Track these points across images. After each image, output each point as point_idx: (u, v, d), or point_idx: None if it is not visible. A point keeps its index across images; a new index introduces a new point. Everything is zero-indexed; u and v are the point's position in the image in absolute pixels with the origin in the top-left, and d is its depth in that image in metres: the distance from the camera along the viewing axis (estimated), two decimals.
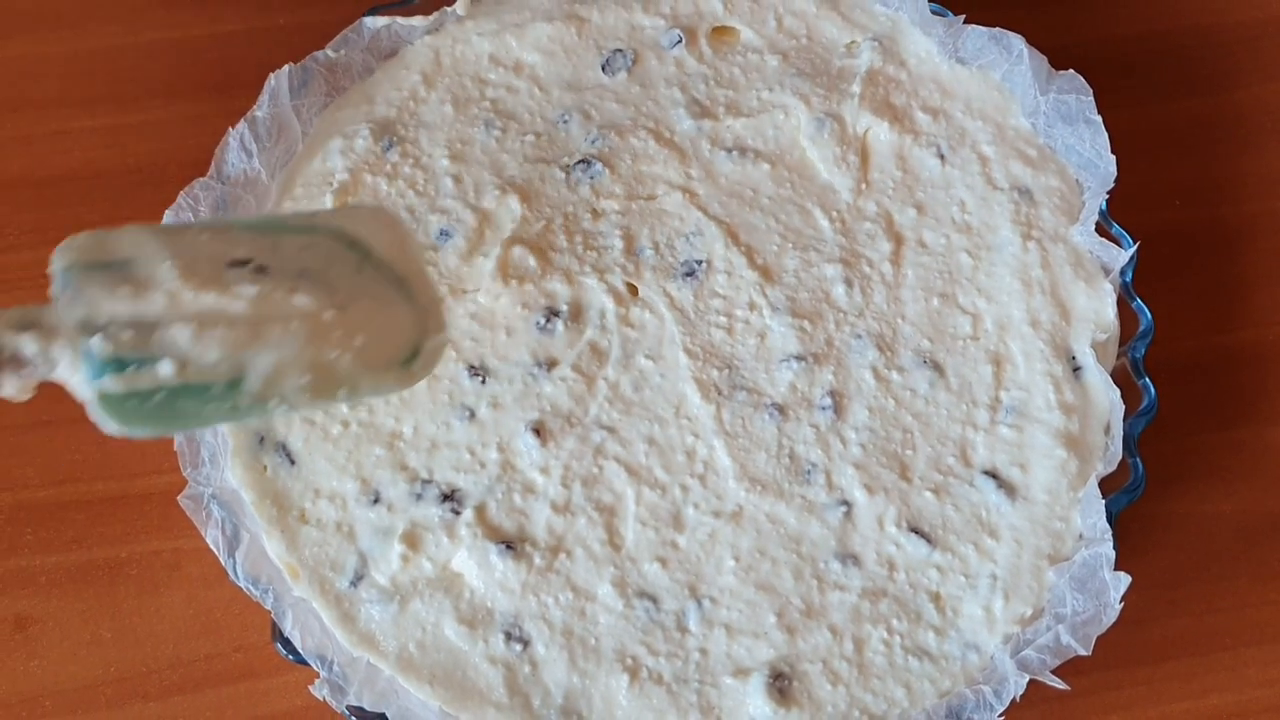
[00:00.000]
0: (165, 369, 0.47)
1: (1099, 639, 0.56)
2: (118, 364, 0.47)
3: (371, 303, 0.52)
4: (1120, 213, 0.66)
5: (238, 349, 0.49)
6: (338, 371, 0.51)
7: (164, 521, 0.66)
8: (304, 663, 0.57)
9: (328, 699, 0.56)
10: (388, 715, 0.56)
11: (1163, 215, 0.75)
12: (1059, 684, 0.56)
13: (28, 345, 0.46)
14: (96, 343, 0.46)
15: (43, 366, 0.47)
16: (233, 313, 0.49)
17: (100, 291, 0.47)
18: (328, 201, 0.67)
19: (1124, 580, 0.56)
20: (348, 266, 0.53)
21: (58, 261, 0.48)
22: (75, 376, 0.47)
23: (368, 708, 0.56)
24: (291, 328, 0.50)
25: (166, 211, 0.64)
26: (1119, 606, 0.56)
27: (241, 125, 0.66)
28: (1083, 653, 0.56)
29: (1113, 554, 0.57)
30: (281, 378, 0.50)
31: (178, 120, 0.77)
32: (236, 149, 0.66)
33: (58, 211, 0.75)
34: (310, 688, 0.56)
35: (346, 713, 0.56)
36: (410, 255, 0.55)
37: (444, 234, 0.66)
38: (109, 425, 0.48)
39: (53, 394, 0.69)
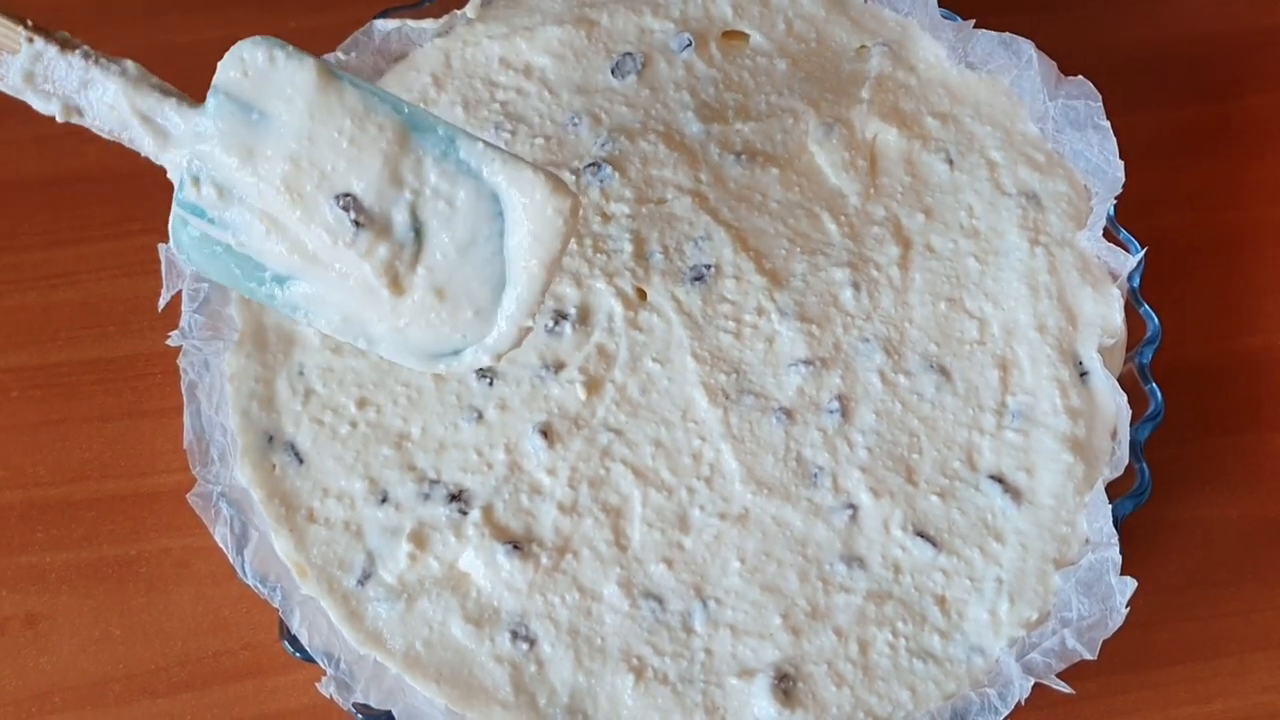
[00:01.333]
0: (229, 237, 0.52)
1: (1104, 643, 0.56)
2: (197, 209, 0.52)
3: (441, 296, 0.52)
4: (1128, 218, 0.66)
5: (293, 270, 0.52)
6: (369, 330, 0.53)
7: (173, 520, 0.66)
8: (311, 660, 0.57)
9: (334, 696, 0.56)
10: (394, 713, 0.56)
11: (1170, 221, 0.75)
12: (1064, 688, 0.56)
13: (159, 123, 0.52)
14: (188, 189, 0.52)
15: (151, 150, 0.53)
16: (303, 242, 0.51)
17: (221, 143, 0.51)
18: None
19: (1130, 585, 0.56)
20: (465, 235, 0.52)
21: (223, 70, 0.52)
22: (175, 181, 0.52)
23: (374, 705, 0.56)
24: (348, 285, 0.52)
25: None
26: (1125, 611, 0.56)
27: None
28: (1088, 657, 0.56)
29: (1119, 558, 0.57)
30: (318, 307, 0.53)
31: None
32: None
33: (70, 212, 0.76)
34: (317, 685, 0.56)
35: (353, 710, 0.56)
36: (538, 264, 0.52)
37: None
38: (173, 245, 0.53)
39: (64, 392, 0.70)
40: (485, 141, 0.52)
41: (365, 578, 0.59)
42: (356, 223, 0.51)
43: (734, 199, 0.68)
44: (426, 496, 0.61)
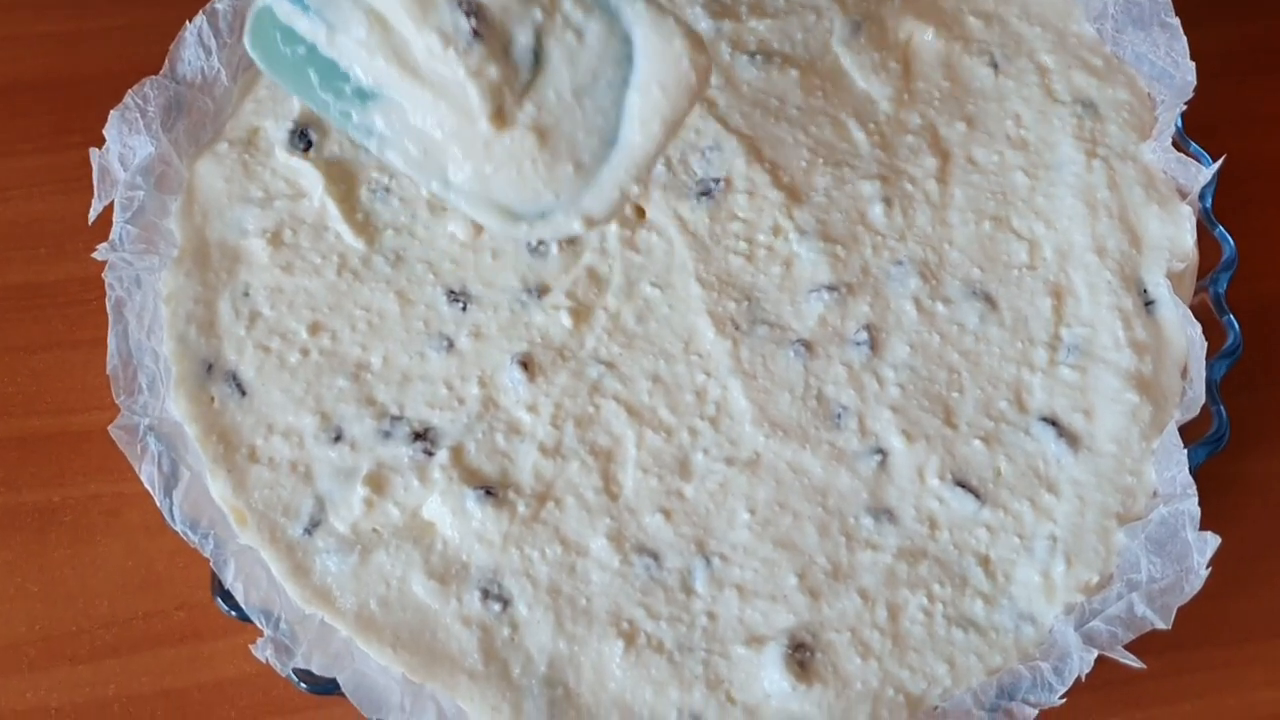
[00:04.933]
0: (320, 31, 0.48)
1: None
2: None
3: (543, 138, 0.48)
4: (1198, 140, 0.61)
5: (384, 79, 0.48)
6: (449, 172, 0.49)
7: (104, 463, 0.61)
8: (248, 620, 0.52)
9: (271, 660, 0.50)
10: (340, 681, 0.50)
11: (1240, 144, 0.68)
12: (1135, 662, 0.50)
13: None
14: None
15: None
16: (409, 48, 0.47)
17: None
18: (294, 105, 0.61)
19: (1212, 541, 0.50)
20: (586, 75, 0.48)
21: None
22: None
23: (317, 672, 0.51)
24: (440, 108, 0.48)
25: (112, 113, 0.60)
26: (1205, 572, 0.50)
27: (200, 19, 0.63)
28: (1161, 626, 0.50)
29: (1196, 511, 0.51)
30: (397, 134, 0.49)
31: (138, 27, 0.72)
32: (194, 45, 0.62)
33: (9, 121, 0.71)
34: (251, 647, 0.50)
35: (293, 677, 0.50)
36: (659, 121, 0.49)
37: None
38: (248, 38, 0.50)
39: None
40: None
41: (313, 526, 0.54)
42: (475, 31, 0.47)
43: (747, 105, 0.62)
44: (387, 435, 0.56)
